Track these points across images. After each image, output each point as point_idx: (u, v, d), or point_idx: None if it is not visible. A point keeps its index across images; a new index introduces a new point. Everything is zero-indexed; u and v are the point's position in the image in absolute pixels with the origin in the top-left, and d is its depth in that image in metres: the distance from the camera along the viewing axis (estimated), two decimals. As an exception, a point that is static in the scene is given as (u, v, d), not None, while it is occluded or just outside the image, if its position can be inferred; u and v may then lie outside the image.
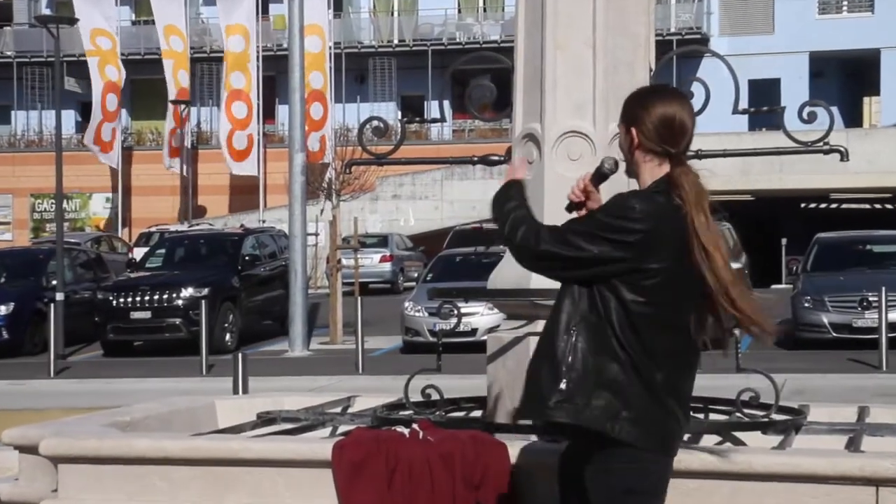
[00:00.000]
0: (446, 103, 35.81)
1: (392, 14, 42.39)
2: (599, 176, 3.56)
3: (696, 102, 5.41)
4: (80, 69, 39.61)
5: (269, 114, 40.23)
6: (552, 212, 4.25)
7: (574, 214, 3.56)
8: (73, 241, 26.97)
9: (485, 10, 42.66)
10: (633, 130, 3.57)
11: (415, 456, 4.59)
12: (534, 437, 4.86)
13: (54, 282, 20.40)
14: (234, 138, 37.97)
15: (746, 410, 5.42)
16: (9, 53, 42.76)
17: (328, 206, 22.63)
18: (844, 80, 40.83)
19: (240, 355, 10.14)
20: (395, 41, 41.69)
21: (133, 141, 42.37)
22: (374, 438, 4.73)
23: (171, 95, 38.52)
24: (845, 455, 4.60)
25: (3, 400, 13.57)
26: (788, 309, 18.14)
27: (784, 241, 35.38)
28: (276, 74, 38.92)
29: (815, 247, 19.45)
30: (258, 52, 38.43)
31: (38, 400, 13.30)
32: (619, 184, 3.84)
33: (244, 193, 40.22)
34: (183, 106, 37.90)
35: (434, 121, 6.66)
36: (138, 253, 28.21)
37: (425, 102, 40.89)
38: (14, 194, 40.98)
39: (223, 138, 37.96)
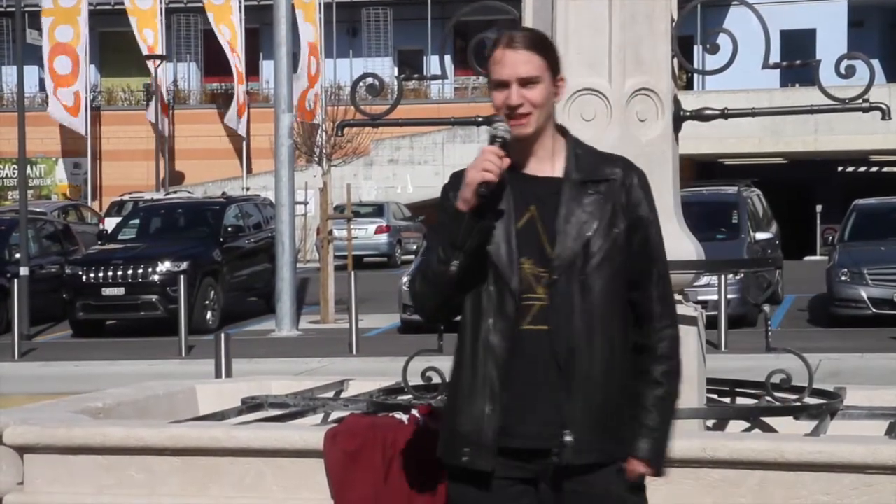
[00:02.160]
0: (447, 58, 35.64)
1: (387, -41, 42.26)
2: (504, 146, 3.28)
3: (723, 56, 5.43)
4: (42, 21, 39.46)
5: (252, 70, 40.16)
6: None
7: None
8: (38, 210, 26.97)
9: (490, -46, 42.50)
10: (562, 78, 3.40)
11: (414, 445, 4.61)
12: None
13: (18, 255, 20.43)
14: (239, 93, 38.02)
15: (777, 394, 5.44)
16: (-36, 4, 42.67)
17: (318, 172, 22.62)
18: (886, 30, 40.70)
19: (222, 335, 10.17)
20: (391, -11, 41.57)
21: (103, 100, 42.29)
22: (369, 426, 4.75)
23: (143, 50, 38.43)
24: (886, 442, 4.61)
25: (-37, 385, 13.63)
26: (823, 283, 18.17)
27: (819, 208, 35.41)
28: (259, 27, 38.81)
29: (854, 214, 19.47)
30: (240, 2, 38.37)
31: (2, 384, 13.35)
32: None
33: (226, 158, 40.19)
34: (159, 61, 37.80)
35: (434, 78, 6.65)
36: (110, 223, 28.22)
37: (424, 57, 40.78)
38: (-28, 159, 40.99)
39: (240, 91, 37.93)
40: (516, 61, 3.31)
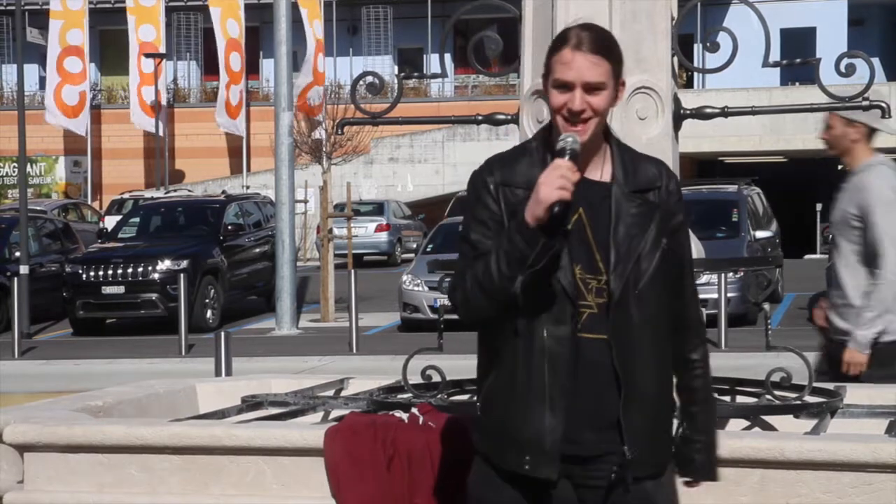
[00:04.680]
0: (447, 57, 35.71)
1: (387, -42, 42.26)
2: (574, 158, 3.16)
3: (723, 55, 5.42)
4: (43, 19, 39.48)
5: (252, 69, 40.17)
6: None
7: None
8: (38, 208, 26.99)
9: (490, -48, 42.46)
10: (623, 82, 3.30)
11: (414, 443, 4.61)
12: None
13: (18, 253, 20.44)
14: (230, 93, 37.99)
15: (777, 392, 5.44)
16: (-36, 3, 42.66)
17: (318, 171, 22.62)
18: (886, 28, 40.71)
19: (222, 334, 10.17)
20: (391, -13, 41.57)
21: (102, 99, 42.29)
22: (369, 424, 4.75)
23: (135, 50, 38.44)
24: (886, 440, 4.61)
25: (-37, 383, 13.63)
26: (823, 281, 18.14)
27: (819, 206, 35.40)
28: (260, 25, 38.81)
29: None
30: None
31: (2, 383, 13.35)
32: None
33: (226, 156, 40.20)
34: (159, 59, 37.80)
35: (434, 76, 6.64)
36: (110, 222, 28.25)
37: (424, 56, 40.80)
38: (-28, 158, 40.98)
39: (221, 91, 37.89)
40: (583, 65, 3.19)
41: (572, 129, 3.20)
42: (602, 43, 3.23)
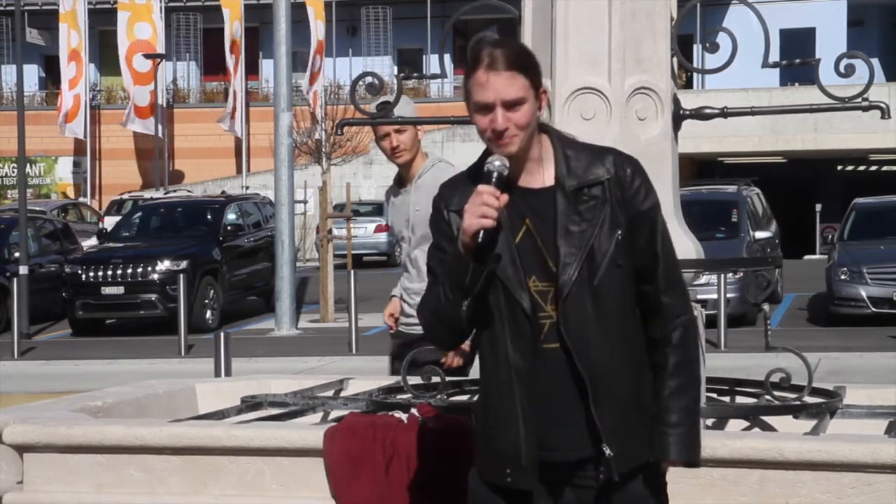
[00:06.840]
0: (447, 57, 35.61)
1: (387, -42, 42.25)
2: (499, 180, 3.17)
3: (723, 55, 5.42)
4: (43, 20, 39.47)
5: (251, 69, 40.17)
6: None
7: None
8: (37, 209, 27.00)
9: (489, -47, 42.45)
10: (545, 90, 3.28)
11: (414, 444, 4.61)
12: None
13: (17, 254, 20.44)
14: (230, 93, 38.06)
15: (776, 392, 5.44)
16: (-36, 3, 42.65)
17: (318, 171, 22.63)
18: (886, 29, 40.72)
19: (222, 334, 10.16)
20: (391, -12, 41.58)
21: (102, 99, 42.29)
22: (369, 425, 4.75)
23: (125, 46, 38.47)
24: (885, 441, 4.61)
25: (-38, 384, 13.63)
26: (823, 282, 18.19)
27: (819, 207, 35.43)
28: (259, 25, 38.81)
29: (853, 213, 19.48)
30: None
31: (2, 383, 13.35)
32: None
33: (225, 157, 40.20)
34: (159, 59, 37.80)
35: (434, 76, 6.64)
36: (109, 222, 28.24)
37: (424, 56, 40.80)
38: (-28, 158, 40.98)
39: (231, 93, 37.92)
40: (499, 84, 3.17)
41: (501, 144, 3.19)
42: (515, 58, 3.20)
